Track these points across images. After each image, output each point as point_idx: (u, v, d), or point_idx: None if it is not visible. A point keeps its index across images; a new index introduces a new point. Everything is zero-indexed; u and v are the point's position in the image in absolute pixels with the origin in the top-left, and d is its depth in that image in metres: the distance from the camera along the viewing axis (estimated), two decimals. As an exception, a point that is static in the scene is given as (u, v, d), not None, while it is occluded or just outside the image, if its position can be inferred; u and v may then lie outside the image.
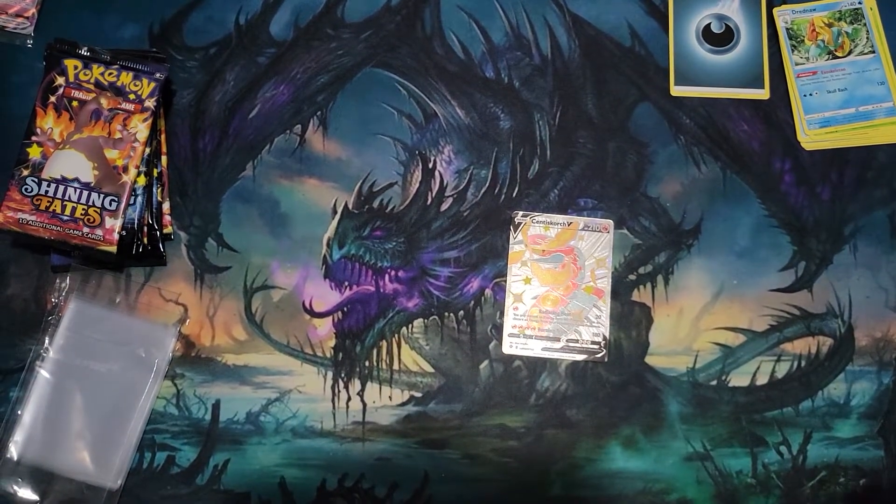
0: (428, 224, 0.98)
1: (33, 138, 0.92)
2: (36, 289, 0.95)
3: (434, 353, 0.95)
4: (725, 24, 1.05)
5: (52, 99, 0.94)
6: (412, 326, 0.96)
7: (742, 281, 0.97)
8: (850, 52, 1.03)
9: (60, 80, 0.94)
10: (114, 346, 0.92)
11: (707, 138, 1.01)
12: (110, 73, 0.95)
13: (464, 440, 0.93)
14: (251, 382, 0.94)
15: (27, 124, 0.93)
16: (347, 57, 1.03)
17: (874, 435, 0.93)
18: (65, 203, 0.90)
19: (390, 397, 0.94)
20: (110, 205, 0.91)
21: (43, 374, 0.91)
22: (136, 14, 1.03)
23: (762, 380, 0.95)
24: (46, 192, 0.90)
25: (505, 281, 0.97)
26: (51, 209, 0.90)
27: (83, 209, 0.90)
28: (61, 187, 0.91)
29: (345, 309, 0.96)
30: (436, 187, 1.00)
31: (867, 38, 1.03)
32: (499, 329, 0.96)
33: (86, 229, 0.90)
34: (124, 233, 0.92)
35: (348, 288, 0.96)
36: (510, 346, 0.95)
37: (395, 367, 0.95)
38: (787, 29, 1.04)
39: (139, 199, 0.93)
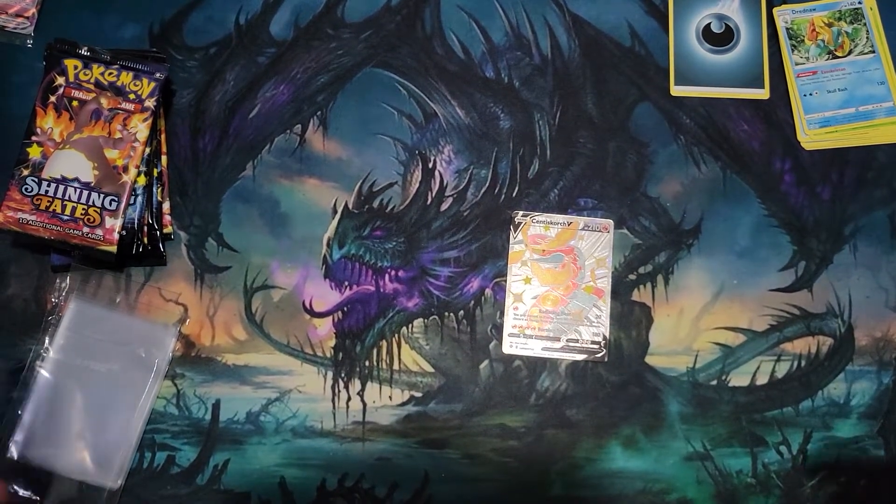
0: (428, 224, 0.98)
1: (33, 138, 0.92)
2: (36, 289, 0.95)
3: (434, 352, 0.95)
4: (725, 24, 1.05)
5: (53, 99, 0.94)
6: (412, 326, 0.96)
7: (742, 281, 0.97)
8: (850, 52, 1.03)
9: (60, 80, 0.94)
10: (114, 345, 0.92)
11: (707, 138, 1.01)
12: (110, 73, 0.95)
13: (464, 440, 0.93)
14: (251, 382, 0.94)
15: (27, 124, 0.93)
16: (347, 57, 1.03)
17: (874, 435, 0.93)
18: (65, 203, 0.90)
19: (390, 397, 0.94)
20: (110, 205, 0.91)
21: (43, 373, 0.91)
22: (136, 14, 1.03)
23: (762, 380, 0.95)
24: (46, 191, 0.90)
25: (505, 281, 0.97)
26: (51, 209, 0.90)
27: (83, 209, 0.90)
28: (61, 187, 0.91)
29: (345, 309, 0.96)
30: (436, 187, 1.00)
31: (867, 37, 1.03)
32: (499, 329, 0.96)
33: (86, 229, 0.90)
34: (124, 233, 0.92)
35: (348, 288, 0.96)
36: (510, 346, 0.95)
37: (396, 366, 0.95)
38: (787, 29, 1.04)
39: (139, 198, 0.93)
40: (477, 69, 1.03)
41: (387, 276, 0.97)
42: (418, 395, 0.94)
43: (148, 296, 0.95)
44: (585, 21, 1.05)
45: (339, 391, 0.94)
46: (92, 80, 0.95)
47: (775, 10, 1.05)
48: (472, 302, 0.96)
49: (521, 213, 0.98)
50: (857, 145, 1.01)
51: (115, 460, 0.90)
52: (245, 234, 0.98)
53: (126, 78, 0.95)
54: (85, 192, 0.91)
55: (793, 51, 1.03)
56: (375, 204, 0.99)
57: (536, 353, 0.95)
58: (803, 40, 1.04)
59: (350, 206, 0.98)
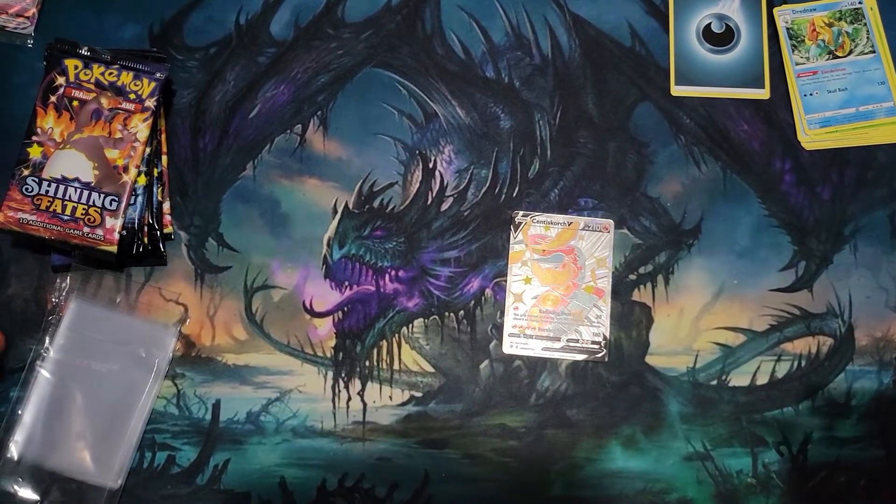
0: (428, 224, 0.98)
1: (34, 138, 0.92)
2: (36, 289, 0.95)
3: (434, 352, 0.95)
4: (726, 24, 1.05)
5: (53, 99, 0.94)
6: (412, 326, 0.96)
7: (742, 281, 0.97)
8: (850, 52, 1.03)
9: (61, 80, 0.94)
10: (114, 345, 0.92)
11: (707, 138, 1.01)
12: (111, 73, 0.95)
13: (464, 440, 0.93)
14: (251, 382, 0.94)
15: (27, 124, 0.93)
16: (348, 57, 1.03)
17: (874, 435, 0.93)
18: (65, 203, 0.90)
19: (390, 397, 0.94)
20: (111, 204, 0.91)
21: (43, 373, 0.91)
22: (136, 14, 1.03)
23: (762, 379, 0.95)
24: (47, 191, 0.90)
25: (505, 281, 0.97)
26: (51, 209, 0.90)
27: (83, 209, 0.90)
28: (62, 187, 0.91)
29: (345, 309, 0.96)
30: (436, 187, 1.00)
31: (867, 37, 1.03)
32: (499, 329, 0.96)
33: (86, 229, 0.90)
34: (125, 232, 0.92)
35: (348, 288, 0.96)
36: (510, 346, 0.95)
37: (396, 366, 0.95)
38: (788, 29, 1.04)
39: (139, 198, 0.93)
40: (477, 69, 1.03)
41: (387, 276, 0.97)
42: (418, 395, 0.94)
43: (148, 296, 0.95)
44: (586, 21, 1.05)
45: (339, 391, 0.94)
46: (92, 80, 0.95)
47: (775, 10, 1.05)
48: (473, 302, 0.96)
49: (521, 213, 0.98)
50: (857, 145, 1.01)
51: (116, 460, 0.90)
52: (245, 234, 0.98)
53: (126, 78, 0.95)
54: (85, 192, 0.91)
55: (793, 51, 1.03)
56: (376, 204, 0.99)
57: (537, 353, 0.95)
58: (804, 40, 1.04)
59: (350, 206, 0.98)
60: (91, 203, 0.91)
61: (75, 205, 0.90)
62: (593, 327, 0.95)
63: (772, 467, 0.92)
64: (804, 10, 1.05)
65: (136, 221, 0.93)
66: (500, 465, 0.92)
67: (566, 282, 0.96)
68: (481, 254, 0.98)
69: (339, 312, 0.96)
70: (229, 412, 0.93)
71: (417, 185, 1.00)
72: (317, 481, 0.91)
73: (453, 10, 1.05)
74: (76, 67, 0.95)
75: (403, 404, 0.94)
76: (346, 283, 0.96)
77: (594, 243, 0.97)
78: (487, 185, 1.00)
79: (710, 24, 1.05)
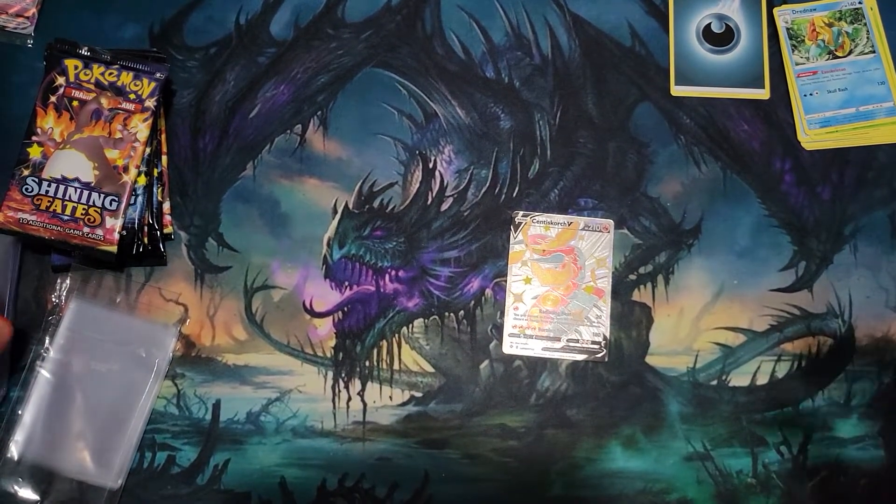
0: (428, 224, 0.99)
1: (34, 138, 0.92)
2: (36, 289, 0.95)
3: (434, 352, 0.95)
4: (726, 24, 1.05)
5: (53, 99, 0.94)
6: (412, 326, 0.96)
7: (742, 281, 0.97)
8: (850, 52, 1.03)
9: (61, 80, 0.94)
10: (114, 345, 0.92)
11: (707, 138, 1.01)
12: (111, 73, 0.95)
13: (464, 440, 0.93)
14: (251, 382, 0.94)
15: (27, 124, 0.93)
16: (348, 57, 1.03)
17: (874, 435, 0.93)
18: (65, 203, 0.90)
19: (391, 397, 0.94)
20: (111, 205, 0.91)
21: (43, 373, 0.91)
22: (136, 14, 1.03)
23: (762, 380, 0.95)
24: (47, 191, 0.90)
25: (505, 281, 0.97)
26: (51, 209, 0.90)
27: (83, 209, 0.90)
28: (62, 187, 0.91)
29: (345, 309, 0.96)
30: (436, 187, 1.00)
31: (867, 37, 1.03)
32: (499, 329, 0.96)
33: (86, 229, 0.90)
34: (125, 233, 0.92)
35: (348, 288, 0.96)
36: (510, 346, 0.95)
37: (396, 366, 0.95)
38: (788, 29, 1.04)
39: (139, 198, 0.93)
40: (477, 69, 1.03)
41: (387, 276, 0.97)
42: (418, 395, 0.94)
43: (148, 296, 0.95)
44: (586, 21, 1.05)
45: (339, 391, 0.94)
46: (92, 80, 0.95)
47: (775, 10, 1.05)
48: (473, 302, 0.97)
49: (521, 213, 0.98)
50: (857, 145, 1.01)
51: (116, 460, 0.90)
52: (245, 234, 0.98)
53: (126, 78, 0.95)
54: (85, 192, 0.91)
55: (793, 51, 1.03)
56: (376, 204, 0.99)
57: (537, 353, 0.95)
58: (803, 40, 1.04)
59: (350, 206, 0.98)
60: (91, 203, 0.91)
61: (75, 205, 0.90)
62: (593, 327, 0.95)
63: (772, 467, 0.92)
64: (804, 10, 1.05)
65: (136, 221, 0.93)
66: (500, 465, 0.92)
67: (566, 282, 0.96)
68: (481, 254, 0.98)
69: (339, 312, 0.96)
70: (229, 412, 0.93)
71: (417, 185, 1.00)
72: (317, 481, 0.91)
73: (453, 10, 1.05)
74: (76, 67, 0.95)
75: (403, 404, 0.94)
76: (346, 283, 0.96)
77: (594, 243, 0.97)
78: (487, 185, 1.00)
79: (710, 24, 1.05)
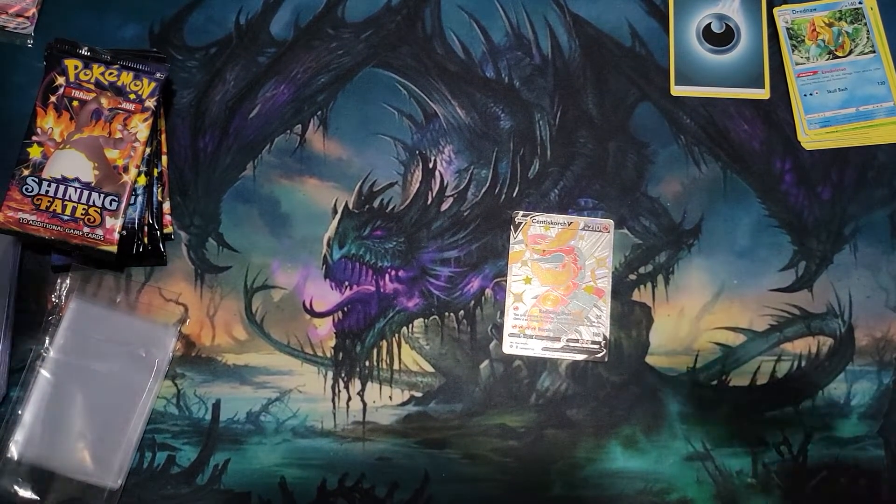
0: (428, 224, 0.99)
1: (34, 138, 0.92)
2: (36, 289, 0.95)
3: (434, 352, 0.95)
4: (726, 24, 1.05)
5: (53, 99, 0.94)
6: (412, 326, 0.96)
7: (742, 281, 0.97)
8: (850, 52, 1.03)
9: (61, 80, 0.94)
10: (114, 345, 0.92)
11: (707, 138, 1.01)
12: (111, 73, 0.95)
13: (464, 440, 0.93)
14: (251, 382, 0.94)
15: (27, 124, 0.93)
16: (348, 57, 1.03)
17: (874, 435, 0.93)
18: (65, 203, 0.90)
19: (390, 397, 0.94)
20: (111, 204, 0.91)
21: (43, 373, 0.91)
22: (136, 14, 1.03)
23: (762, 380, 0.95)
24: (47, 191, 0.90)
25: (505, 281, 0.97)
26: (51, 209, 0.90)
27: (83, 209, 0.90)
28: (62, 187, 0.91)
29: (345, 309, 0.96)
30: (436, 187, 1.00)
31: (867, 37, 1.03)
32: (499, 329, 0.96)
33: (86, 229, 0.90)
34: (125, 232, 0.92)
35: (348, 288, 0.96)
36: (510, 346, 0.95)
37: (396, 366, 0.95)
38: (788, 28, 1.04)
39: (139, 198, 0.93)
40: (477, 69, 1.03)
41: (387, 276, 0.97)
42: (418, 394, 0.94)
43: (148, 296, 0.95)
44: (586, 21, 1.05)
45: (339, 391, 0.94)
46: (92, 80, 0.95)
47: (775, 10, 1.05)
48: (473, 302, 0.96)
49: (521, 213, 0.98)
50: (857, 145, 1.01)
51: (116, 460, 0.90)
52: (245, 234, 0.98)
53: (126, 78, 0.95)
54: (85, 192, 0.91)
55: (793, 51, 1.03)
56: (376, 204, 0.99)
57: (537, 353, 0.95)
58: (804, 40, 1.04)
59: (350, 206, 0.98)
60: (91, 203, 0.91)
61: (75, 205, 0.90)
62: (593, 327, 0.95)
63: (772, 467, 0.92)
64: (804, 9, 1.05)
65: (136, 221, 0.93)
66: (500, 465, 0.92)
67: (566, 282, 0.96)
68: (481, 254, 0.98)
69: (339, 312, 0.96)
70: (229, 412, 0.93)
71: (417, 185, 1.00)
72: (317, 481, 0.91)
73: (453, 10, 1.05)
74: (76, 67, 0.95)
75: (403, 404, 0.94)
76: (346, 283, 0.96)
77: (594, 243, 0.97)
78: (487, 185, 1.00)
79: (710, 24, 1.05)
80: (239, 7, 1.04)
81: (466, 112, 1.02)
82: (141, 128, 0.94)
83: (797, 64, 1.03)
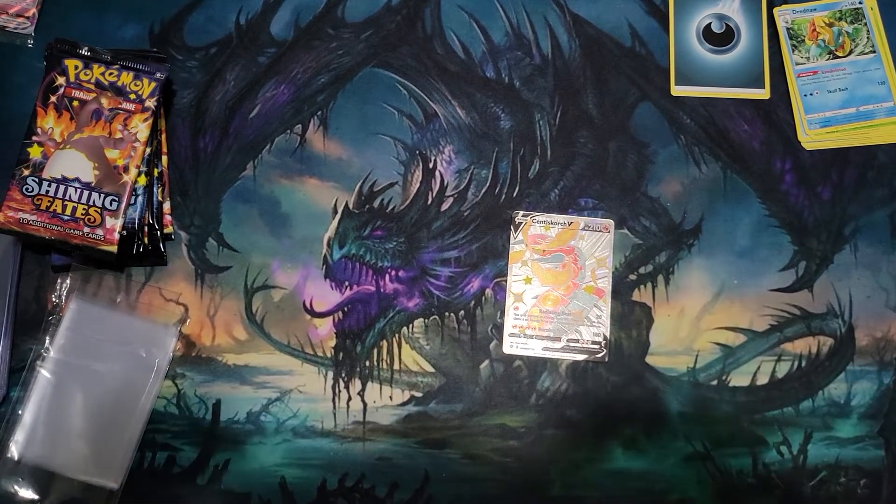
0: (428, 224, 0.99)
1: (34, 138, 0.92)
2: (36, 289, 0.95)
3: (434, 352, 0.95)
4: (726, 24, 1.05)
5: (53, 99, 0.94)
6: (412, 326, 0.96)
7: (742, 281, 0.97)
8: (850, 52, 1.03)
9: (61, 80, 0.94)
10: (114, 345, 0.92)
11: (707, 138, 1.01)
12: (111, 73, 0.95)
13: (464, 440, 0.93)
14: (252, 382, 0.94)
15: (28, 124, 0.93)
16: (348, 57, 1.03)
17: (874, 435, 0.93)
18: (65, 203, 0.90)
19: (391, 397, 0.94)
20: (111, 204, 0.91)
21: (43, 373, 0.91)
22: (136, 14, 1.03)
23: (763, 380, 0.95)
24: (47, 191, 0.91)
25: (505, 281, 0.97)
26: (51, 209, 0.90)
27: (84, 209, 0.90)
28: (62, 187, 0.91)
29: (345, 309, 0.96)
30: (436, 187, 1.00)
31: (868, 37, 1.03)
32: (499, 329, 0.96)
33: (86, 229, 0.90)
34: (125, 233, 0.92)
35: (349, 288, 0.96)
36: (511, 346, 0.95)
37: (396, 366, 0.95)
38: (788, 28, 1.04)
39: (140, 198, 0.93)
40: (477, 69, 1.03)
41: (387, 276, 0.97)
42: (419, 395, 0.94)
43: (148, 296, 0.95)
44: (586, 21, 1.05)
45: (339, 391, 0.94)
46: (92, 80, 0.95)
47: (776, 10, 1.05)
48: (473, 302, 0.96)
49: (521, 213, 0.98)
50: (857, 145, 1.01)
51: (116, 460, 0.90)
52: (245, 234, 0.98)
53: (126, 78, 0.95)
54: (85, 192, 0.91)
55: (793, 51, 1.03)
56: (376, 204, 0.99)
57: (537, 353, 0.95)
58: (804, 40, 1.04)
59: (350, 206, 0.98)
60: (91, 203, 0.91)
61: (75, 205, 0.90)
62: (593, 327, 0.95)
63: (772, 467, 0.92)
64: (804, 9, 1.05)
65: (137, 221, 0.93)
66: (500, 465, 0.92)
67: (566, 282, 0.96)
68: (481, 254, 0.98)
69: (340, 312, 0.96)
70: (229, 412, 0.93)
71: (417, 185, 1.00)
72: (317, 481, 0.91)
73: (453, 10, 1.05)
74: (76, 67, 0.95)
75: (403, 404, 0.94)
76: (347, 283, 0.96)
77: (594, 243, 0.97)
78: (487, 185, 1.00)
79: (710, 23, 1.05)
80: (239, 7, 1.04)
81: (466, 112, 1.02)
82: (141, 128, 0.94)
83: (797, 64, 1.03)
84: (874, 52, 1.02)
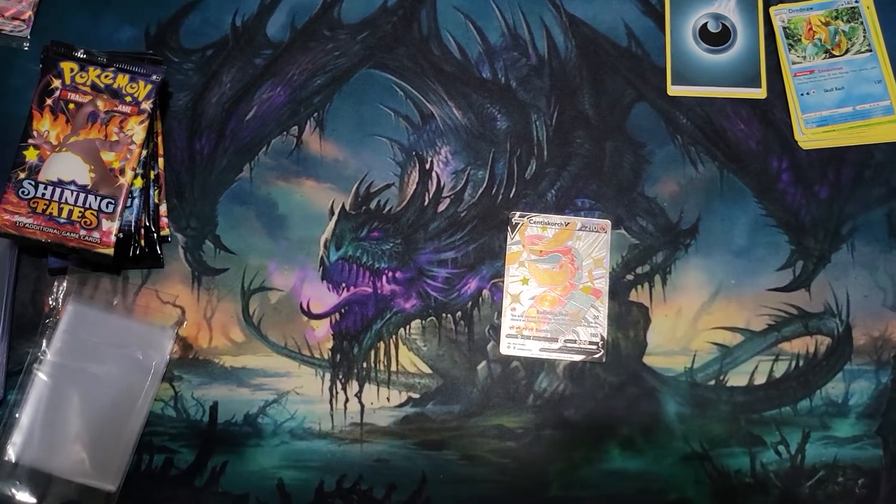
0: (425, 225, 0.98)
1: (30, 141, 0.92)
2: (33, 292, 0.95)
3: (432, 354, 0.95)
4: (722, 24, 1.05)
5: (49, 101, 0.94)
6: (410, 328, 0.96)
7: (740, 280, 0.97)
8: (846, 51, 1.03)
9: (57, 83, 0.94)
10: (111, 348, 0.92)
11: (704, 138, 1.01)
12: (107, 76, 0.95)
13: (462, 441, 0.93)
14: (249, 384, 0.94)
15: (24, 127, 0.93)
16: (344, 58, 1.03)
17: (872, 434, 0.93)
18: (61, 206, 0.90)
19: (388, 399, 0.94)
20: (107, 207, 0.91)
21: (41, 376, 0.91)
22: (132, 16, 1.03)
23: (760, 379, 0.95)
24: (43, 194, 0.90)
25: (502, 281, 0.97)
26: (47, 212, 0.90)
27: (80, 212, 0.90)
28: (58, 190, 0.91)
29: (342, 310, 0.96)
30: (433, 188, 1.00)
31: (864, 36, 1.03)
32: (496, 330, 0.96)
33: (83, 232, 0.90)
34: (121, 235, 0.92)
35: (346, 289, 0.96)
36: (508, 347, 0.95)
37: (393, 368, 0.95)
38: (784, 28, 1.04)
39: (136, 201, 0.93)
40: (473, 70, 1.03)
41: (384, 278, 0.97)
42: (416, 396, 0.94)
43: (145, 298, 0.95)
44: (582, 21, 1.05)
45: (336, 393, 0.94)
46: (88, 83, 0.95)
47: (772, 10, 1.05)
48: (470, 303, 0.96)
49: (518, 213, 0.98)
50: (854, 144, 1.01)
51: (113, 463, 0.90)
52: (242, 236, 0.98)
53: (122, 80, 0.95)
54: (81, 195, 0.91)
55: (789, 50, 1.03)
56: (372, 205, 0.99)
57: (534, 353, 0.95)
58: (800, 39, 1.04)
59: (347, 208, 0.98)
60: (87, 206, 0.91)
61: (71, 208, 0.90)
62: (591, 328, 0.95)
63: (770, 467, 0.92)
64: (801, 9, 1.05)
65: (133, 224, 0.93)
66: (498, 466, 0.92)
67: (563, 282, 0.96)
68: (478, 255, 0.98)
69: (337, 314, 0.96)
70: (227, 414, 0.93)
71: (414, 186, 1.00)
72: (315, 483, 0.91)
73: (449, 11, 1.05)
74: (72, 70, 0.95)
75: (401, 406, 0.94)
76: (343, 285, 0.96)
77: (591, 244, 0.97)
78: (484, 185, 1.00)
79: (706, 23, 1.05)
80: (235, 9, 1.04)
81: (463, 113, 1.02)
82: (137, 130, 0.94)
83: (794, 63, 1.03)
84: (870, 50, 1.02)
